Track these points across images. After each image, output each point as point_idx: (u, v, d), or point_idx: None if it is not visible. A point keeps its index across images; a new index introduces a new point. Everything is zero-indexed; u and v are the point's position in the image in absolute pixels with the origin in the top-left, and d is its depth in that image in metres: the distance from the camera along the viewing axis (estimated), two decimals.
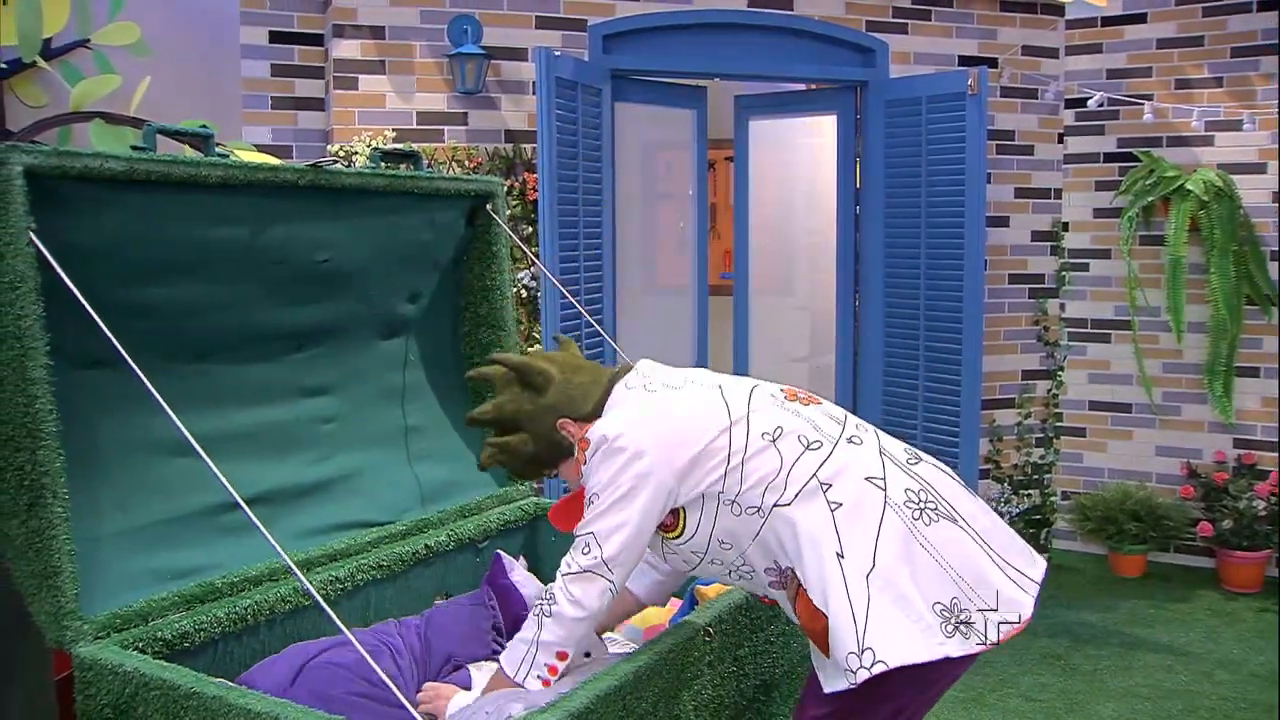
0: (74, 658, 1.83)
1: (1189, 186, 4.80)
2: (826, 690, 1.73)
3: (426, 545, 2.49)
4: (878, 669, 1.64)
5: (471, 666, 2.20)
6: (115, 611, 1.90)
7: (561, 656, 1.82)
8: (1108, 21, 5.10)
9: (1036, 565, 1.86)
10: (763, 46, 4.57)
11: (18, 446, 1.76)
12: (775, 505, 1.78)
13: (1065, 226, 5.20)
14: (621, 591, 1.91)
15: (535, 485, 2.90)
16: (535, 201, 4.18)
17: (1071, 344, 5.24)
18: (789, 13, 4.63)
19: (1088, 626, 4.34)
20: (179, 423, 1.76)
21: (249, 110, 4.18)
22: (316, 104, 4.26)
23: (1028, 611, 1.76)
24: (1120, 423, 5.18)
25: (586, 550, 1.80)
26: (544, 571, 2.72)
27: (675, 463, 1.80)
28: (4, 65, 2.97)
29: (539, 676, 1.81)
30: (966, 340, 4.36)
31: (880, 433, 1.93)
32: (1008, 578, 1.77)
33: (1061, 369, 5.22)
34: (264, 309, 2.24)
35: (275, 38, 4.21)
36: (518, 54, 4.25)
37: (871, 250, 4.72)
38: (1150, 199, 4.92)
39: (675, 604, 2.37)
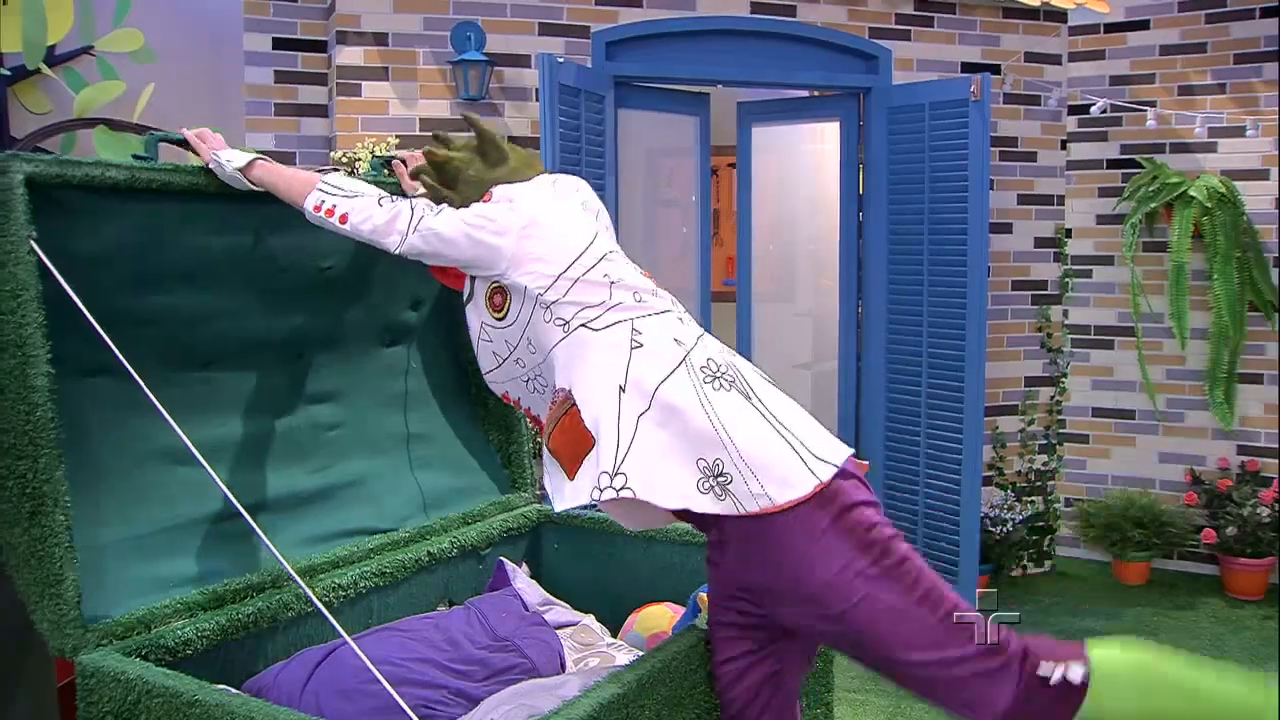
0: (76, 665, 1.82)
1: (1192, 193, 4.80)
2: (556, 508, 1.87)
3: (429, 552, 2.49)
4: (625, 494, 1.71)
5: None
6: (117, 619, 1.89)
7: (304, 193, 2.01)
8: (1110, 28, 5.10)
9: (838, 451, 1.81)
10: (765, 53, 4.57)
11: (20, 454, 1.76)
12: (582, 325, 1.87)
13: (1068, 233, 5.20)
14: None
15: (537, 492, 2.90)
16: None
17: (1074, 350, 5.23)
18: (792, 19, 4.63)
19: (1091, 633, 4.30)
20: (179, 431, 1.76)
21: (252, 117, 4.19)
22: (319, 110, 4.27)
23: (807, 488, 1.73)
24: (1123, 429, 5.17)
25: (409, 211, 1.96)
26: (546, 578, 2.72)
27: (523, 239, 1.91)
28: (8, 72, 2.97)
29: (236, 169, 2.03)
30: (969, 346, 4.35)
31: (709, 337, 1.98)
32: (797, 456, 1.76)
33: (1064, 375, 5.21)
34: (266, 317, 2.24)
35: (278, 44, 4.22)
36: (520, 60, 4.25)
37: (874, 257, 4.72)
38: (1153, 205, 4.91)
39: (678, 611, 2.36)
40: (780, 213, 5.21)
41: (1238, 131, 4.75)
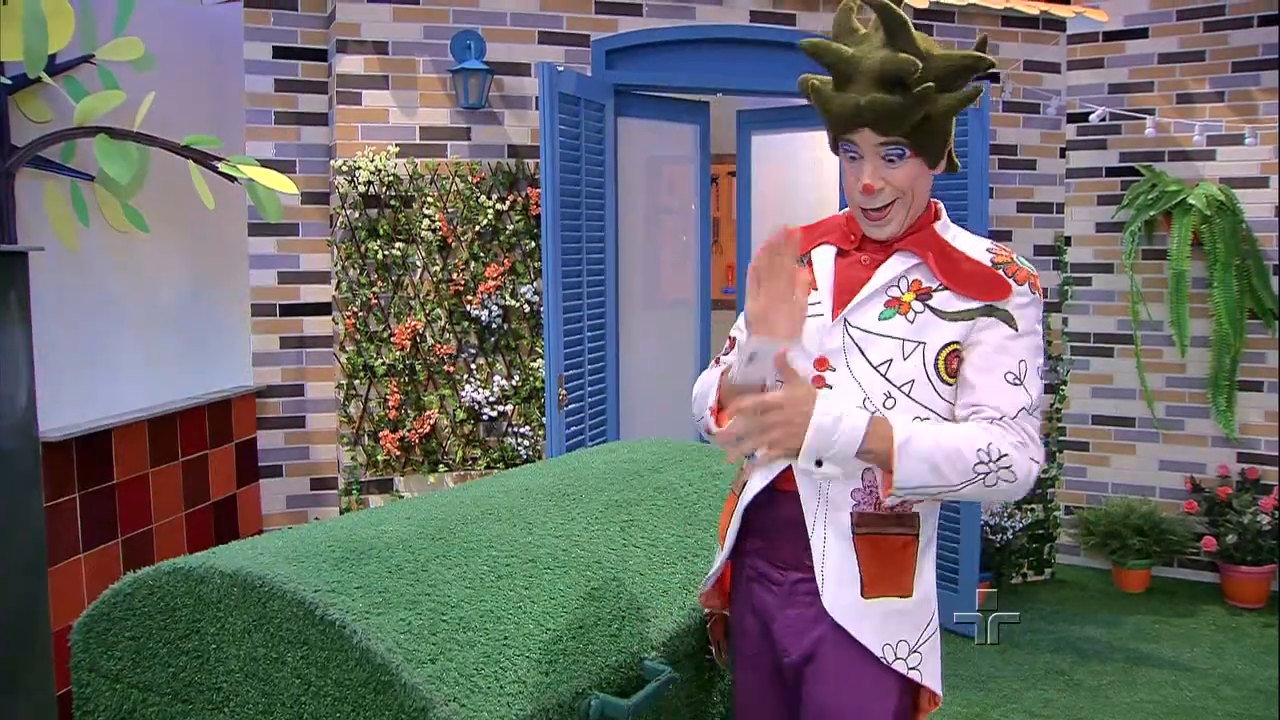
0: (71, 672, 1.82)
1: (1191, 201, 4.81)
2: (826, 600, 1.64)
3: None
4: (913, 675, 1.65)
5: None
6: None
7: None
8: (1109, 36, 5.11)
9: None
10: (765, 62, 4.58)
11: None
12: None
13: (1068, 241, 5.21)
14: None
15: None
16: (538, 216, 4.19)
17: (1074, 358, 5.23)
18: (791, 28, 4.64)
19: (1092, 642, 4.33)
20: None
21: (252, 125, 4.20)
22: (320, 119, 4.28)
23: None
24: (1123, 437, 5.17)
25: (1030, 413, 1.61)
26: None
27: None
28: (9, 80, 2.98)
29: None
30: None
31: None
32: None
33: (1064, 383, 5.21)
34: None
35: (279, 53, 4.23)
36: (520, 69, 4.26)
37: None
38: (1152, 213, 4.92)
39: None
40: (780, 220, 5.20)
41: (1236, 139, 4.76)
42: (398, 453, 4.16)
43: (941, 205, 1.75)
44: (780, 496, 1.69)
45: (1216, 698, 3.79)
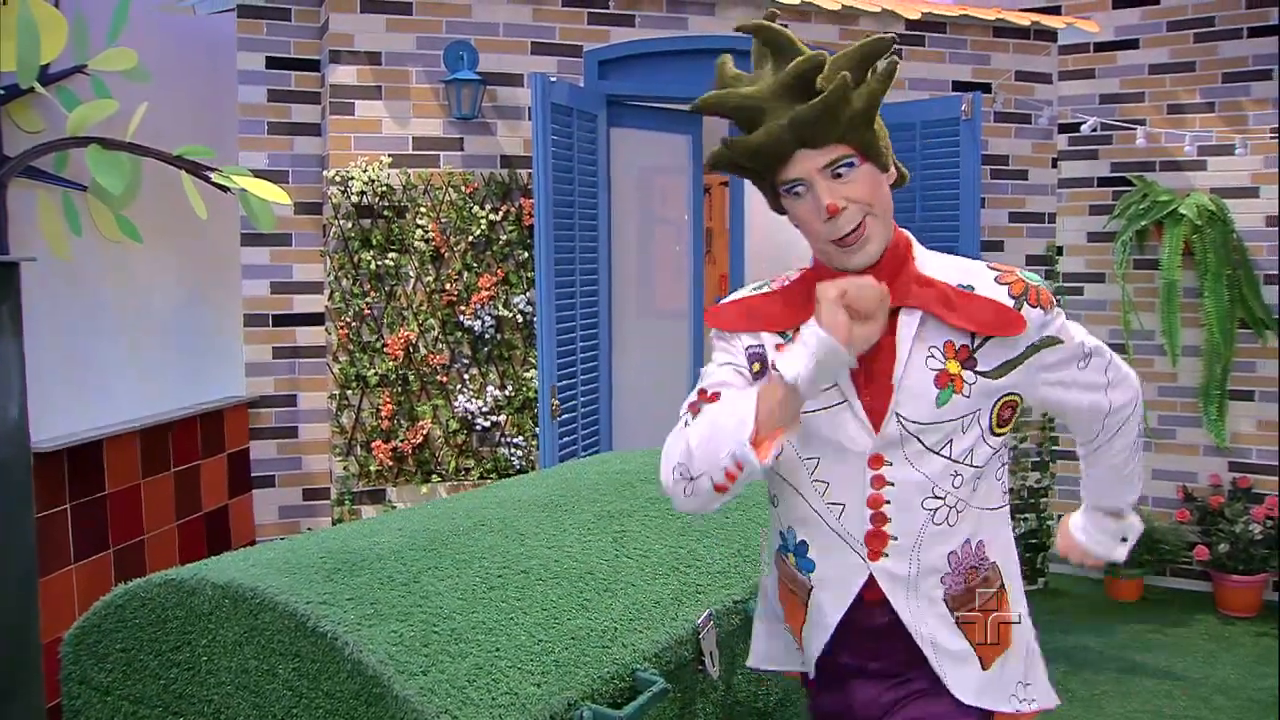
0: (61, 683, 1.82)
1: (1182, 211, 4.83)
2: (955, 692, 1.56)
3: None
4: (1033, 707, 1.67)
5: None
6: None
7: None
8: (1100, 47, 5.14)
9: None
10: None
11: None
12: (1006, 499, 1.65)
13: (1059, 251, 5.22)
14: None
15: None
16: (531, 226, 4.20)
17: None
18: None
19: (1085, 651, 4.33)
20: None
21: (245, 135, 4.20)
22: (313, 129, 4.28)
23: None
24: None
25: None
26: None
27: None
28: (1, 90, 2.98)
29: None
30: None
31: None
32: None
33: None
34: None
35: (272, 63, 4.23)
36: (513, 80, 4.27)
37: None
38: (1144, 223, 4.94)
39: None
40: (773, 231, 5.22)
41: (1226, 150, 4.78)
42: (390, 463, 4.15)
43: (911, 236, 1.59)
44: (866, 604, 1.57)
45: (1209, 707, 3.80)
